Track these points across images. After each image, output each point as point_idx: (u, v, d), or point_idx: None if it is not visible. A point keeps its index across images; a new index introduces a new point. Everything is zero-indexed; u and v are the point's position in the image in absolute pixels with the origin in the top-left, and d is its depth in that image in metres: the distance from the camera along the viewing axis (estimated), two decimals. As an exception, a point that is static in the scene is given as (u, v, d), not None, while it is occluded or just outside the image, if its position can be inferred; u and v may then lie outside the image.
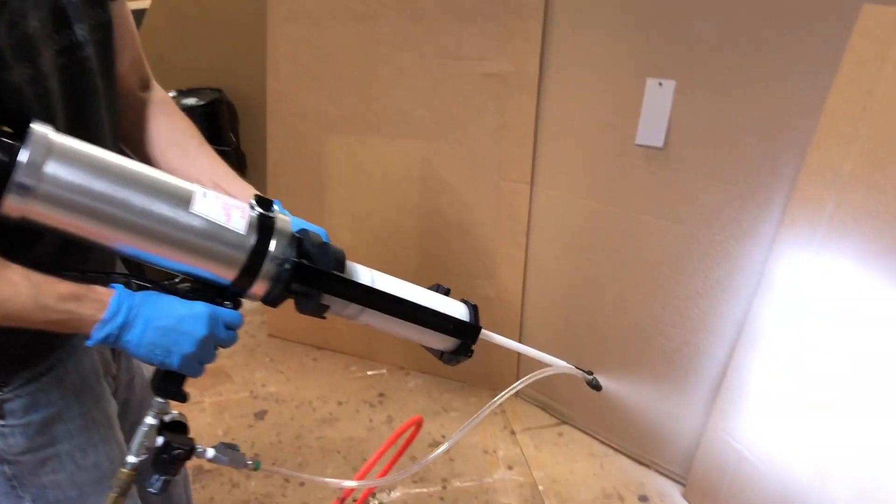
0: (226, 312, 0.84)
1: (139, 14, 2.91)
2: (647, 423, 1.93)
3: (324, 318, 0.92)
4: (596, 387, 1.27)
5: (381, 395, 2.31)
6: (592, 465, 1.98)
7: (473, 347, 1.02)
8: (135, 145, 1.03)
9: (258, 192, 0.92)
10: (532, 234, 2.06)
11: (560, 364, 1.17)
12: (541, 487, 1.92)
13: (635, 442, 1.99)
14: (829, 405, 1.45)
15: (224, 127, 2.90)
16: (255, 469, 0.98)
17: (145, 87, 1.06)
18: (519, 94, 1.93)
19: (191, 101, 2.80)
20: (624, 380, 1.94)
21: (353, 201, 2.30)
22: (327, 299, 0.88)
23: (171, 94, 2.87)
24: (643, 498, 1.88)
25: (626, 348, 1.91)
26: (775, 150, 1.52)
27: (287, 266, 0.83)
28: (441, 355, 1.05)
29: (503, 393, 1.16)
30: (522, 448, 2.06)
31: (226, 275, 0.81)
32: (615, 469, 1.98)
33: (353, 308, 0.92)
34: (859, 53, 1.35)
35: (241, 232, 0.80)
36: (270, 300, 0.85)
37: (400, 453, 1.87)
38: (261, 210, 0.84)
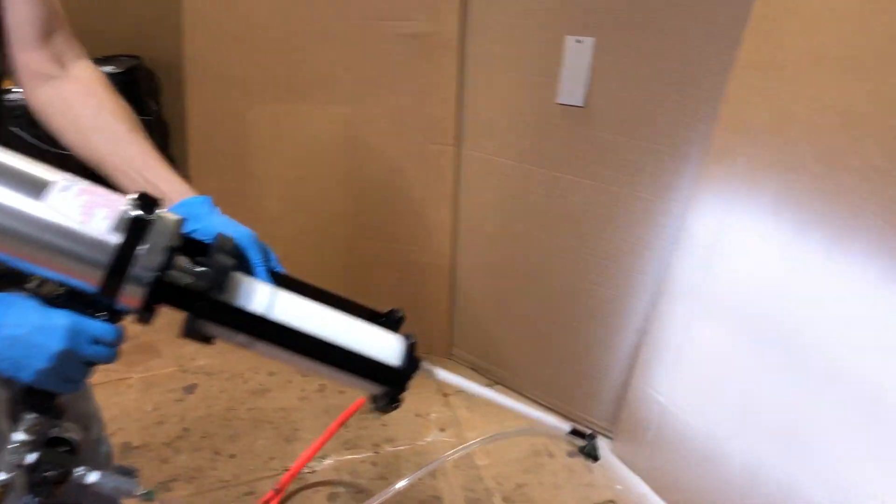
0: (94, 325, 0.73)
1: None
2: (576, 380, 1.96)
3: (211, 343, 0.79)
4: (593, 456, 1.09)
5: (314, 364, 2.29)
6: (523, 424, 2.00)
7: (402, 397, 0.85)
8: (57, 130, 0.93)
9: (189, 190, 0.84)
10: (460, 197, 2.05)
11: (552, 424, 1.03)
12: (473, 448, 1.94)
13: (565, 398, 2.02)
14: (746, 355, 1.49)
15: (143, 96, 2.80)
16: (150, 501, 0.84)
17: (65, 63, 0.96)
18: (441, 54, 1.90)
19: (107, 69, 2.69)
20: (553, 338, 1.96)
21: (279, 169, 2.25)
22: (202, 325, 0.76)
23: (87, 61, 2.75)
24: (572, 454, 1.92)
25: (554, 307, 1.93)
26: (692, 105, 1.53)
27: (148, 281, 0.71)
28: (372, 398, 0.89)
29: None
30: (455, 410, 2.07)
31: (87, 281, 0.71)
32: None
33: (241, 338, 0.79)
34: (768, 6, 1.36)
35: (100, 235, 0.69)
36: (145, 316, 0.73)
37: (340, 422, 1.86)
38: (140, 211, 0.71)
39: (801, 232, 1.34)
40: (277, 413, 2.08)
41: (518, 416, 0.99)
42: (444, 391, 2.15)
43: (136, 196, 0.72)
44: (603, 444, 1.95)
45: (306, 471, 1.86)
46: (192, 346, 2.38)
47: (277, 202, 2.25)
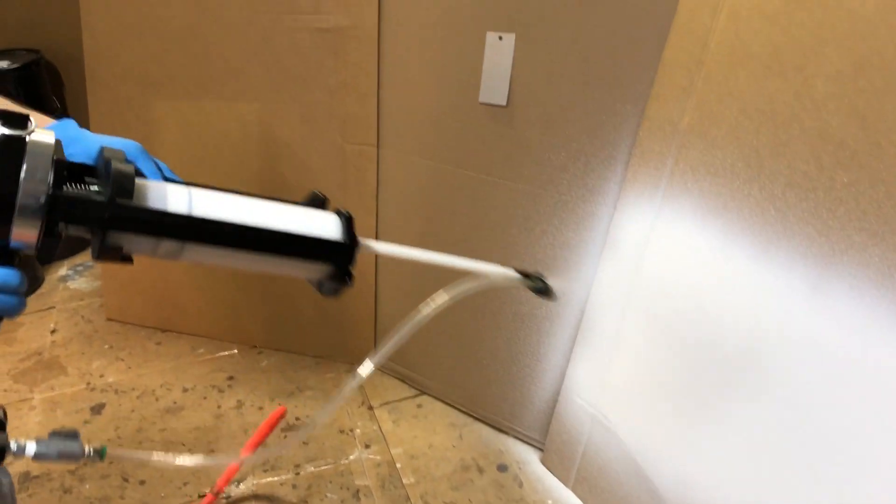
0: None
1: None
2: (504, 389, 1.88)
3: (128, 262, 0.73)
4: (547, 293, 1.07)
5: (231, 377, 2.16)
6: (451, 437, 1.92)
7: (353, 271, 0.84)
8: None
9: (49, 118, 0.74)
10: (381, 198, 1.94)
11: (498, 272, 0.99)
12: (398, 465, 1.84)
13: (494, 409, 1.94)
14: (675, 366, 1.43)
15: (45, 92, 2.61)
16: (101, 459, 0.79)
17: None
18: (358, 50, 1.79)
19: (2, 63, 2.49)
20: (479, 346, 1.88)
21: (187, 170, 2.07)
22: (118, 237, 0.69)
23: (-22, 55, 2.54)
24: (502, 467, 1.84)
25: (480, 313, 1.85)
26: (616, 105, 1.46)
27: (41, 201, 0.63)
28: (318, 286, 0.87)
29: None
30: (380, 424, 1.97)
31: None
32: (475, 438, 1.93)
33: (167, 245, 0.72)
34: (693, 3, 1.30)
35: None
36: (41, 250, 0.66)
37: (256, 442, 1.74)
38: (7, 130, 0.63)
39: (728, 238, 1.29)
40: (192, 433, 1.94)
41: (467, 275, 0.99)
42: (369, 403, 2.05)
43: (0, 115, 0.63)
44: (534, 457, 1.88)
45: (221, 496, 1.74)
46: (100, 361, 2.22)
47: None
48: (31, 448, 0.73)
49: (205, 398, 2.07)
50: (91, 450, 0.80)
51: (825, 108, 1.11)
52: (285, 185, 2.00)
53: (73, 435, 0.77)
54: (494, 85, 1.60)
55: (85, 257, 2.85)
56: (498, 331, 1.82)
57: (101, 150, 0.71)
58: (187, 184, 0.76)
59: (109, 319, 2.43)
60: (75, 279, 2.68)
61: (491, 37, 1.57)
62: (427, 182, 1.82)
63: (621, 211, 1.48)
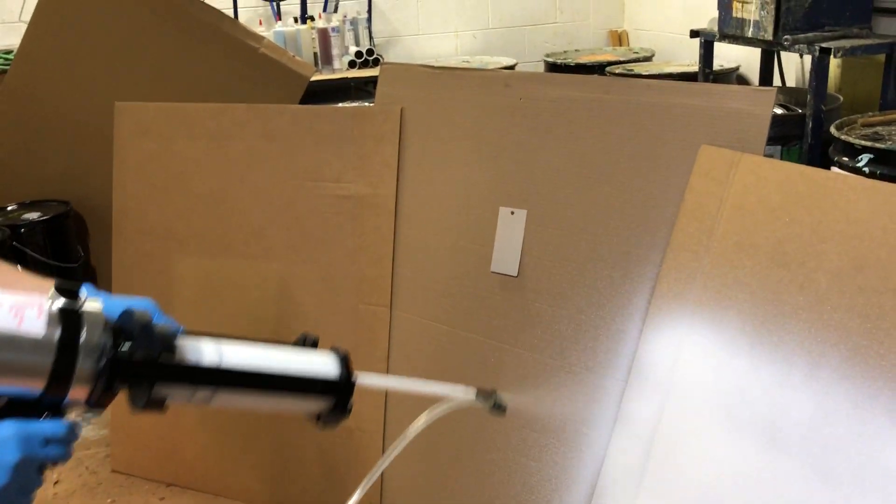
0: (42, 427, 0.73)
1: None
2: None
3: (164, 410, 0.81)
4: (501, 409, 1.18)
5: (233, 539, 2.10)
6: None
7: (351, 403, 0.96)
8: None
9: (60, 282, 0.81)
10: (392, 359, 1.96)
11: (458, 394, 1.11)
12: None
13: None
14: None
15: (71, 241, 2.70)
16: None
17: None
18: (376, 216, 1.88)
19: (33, 215, 2.61)
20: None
21: (205, 325, 2.12)
22: (163, 389, 0.78)
23: (12, 206, 2.66)
24: None
25: (489, 479, 1.82)
26: (625, 281, 1.51)
27: (103, 362, 0.73)
28: (318, 419, 0.97)
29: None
30: None
31: (33, 386, 0.70)
32: None
33: (202, 393, 0.83)
34: (699, 193, 1.37)
35: (40, 333, 0.69)
36: (95, 403, 0.75)
37: None
38: (63, 300, 0.72)
39: (730, 425, 1.29)
40: None
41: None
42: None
43: (55, 288, 0.73)
44: None
45: None
46: None
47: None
48: None
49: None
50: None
51: (828, 302, 1.14)
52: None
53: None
54: (506, 256, 1.66)
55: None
56: (506, 500, 1.78)
57: (129, 311, 0.80)
58: (209, 336, 0.87)
59: (114, 471, 2.39)
60: (82, 427, 2.67)
61: (504, 211, 1.65)
62: (438, 345, 1.85)
63: (632, 386, 1.49)
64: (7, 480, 0.70)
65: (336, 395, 0.93)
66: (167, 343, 0.79)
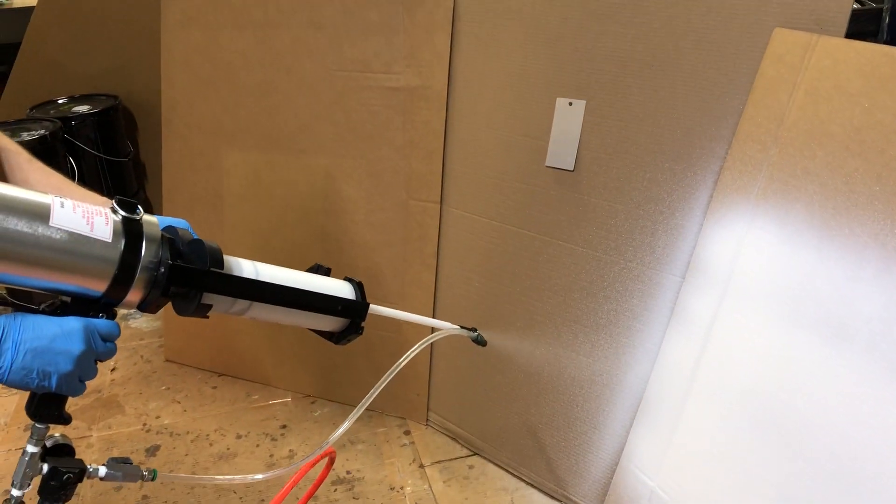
0: (101, 324, 0.80)
1: (25, 12, 2.70)
2: (560, 455, 1.85)
3: (206, 317, 0.91)
4: (480, 342, 1.42)
5: (284, 426, 2.16)
6: (502, 501, 1.88)
7: (363, 325, 1.07)
8: None
9: (119, 197, 0.86)
10: (442, 255, 1.95)
11: (446, 326, 1.36)
12: (449, 527, 1.82)
13: (548, 475, 1.91)
14: (743, 442, 1.39)
15: (121, 136, 2.71)
16: (153, 479, 0.95)
17: None
18: (426, 109, 1.82)
19: (83, 108, 2.60)
20: (536, 409, 1.86)
21: (254, 219, 2.15)
22: (209, 298, 0.87)
23: (62, 100, 2.66)
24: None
25: (537, 376, 1.83)
26: (687, 174, 1.45)
27: (162, 270, 0.80)
28: (332, 337, 1.08)
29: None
30: (431, 483, 1.95)
31: (96, 287, 0.78)
32: (527, 504, 1.89)
33: (241, 304, 0.92)
34: (770, 79, 1.29)
35: (108, 240, 0.76)
36: (147, 306, 0.83)
37: (309, 495, 1.73)
38: (125, 214, 0.79)
39: (793, 321, 1.25)
40: (243, 482, 1.95)
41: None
42: (421, 461, 2.03)
43: (116, 202, 0.80)
44: None
45: (270, 548, 1.73)
46: (157, 402, 2.26)
47: (249, 252, 2.12)
48: (102, 471, 0.88)
49: (258, 446, 2.08)
50: (146, 472, 0.96)
51: (909, 192, 1.08)
52: (348, 238, 2.03)
53: (128, 461, 0.93)
54: (562, 150, 1.61)
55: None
56: (556, 395, 1.79)
57: (170, 227, 0.89)
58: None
59: (168, 361, 2.47)
60: (137, 318, 2.74)
61: (561, 102, 1.59)
62: (489, 241, 1.83)
63: (689, 283, 1.46)
64: (71, 368, 0.78)
65: (352, 315, 1.05)
66: (216, 257, 0.87)
